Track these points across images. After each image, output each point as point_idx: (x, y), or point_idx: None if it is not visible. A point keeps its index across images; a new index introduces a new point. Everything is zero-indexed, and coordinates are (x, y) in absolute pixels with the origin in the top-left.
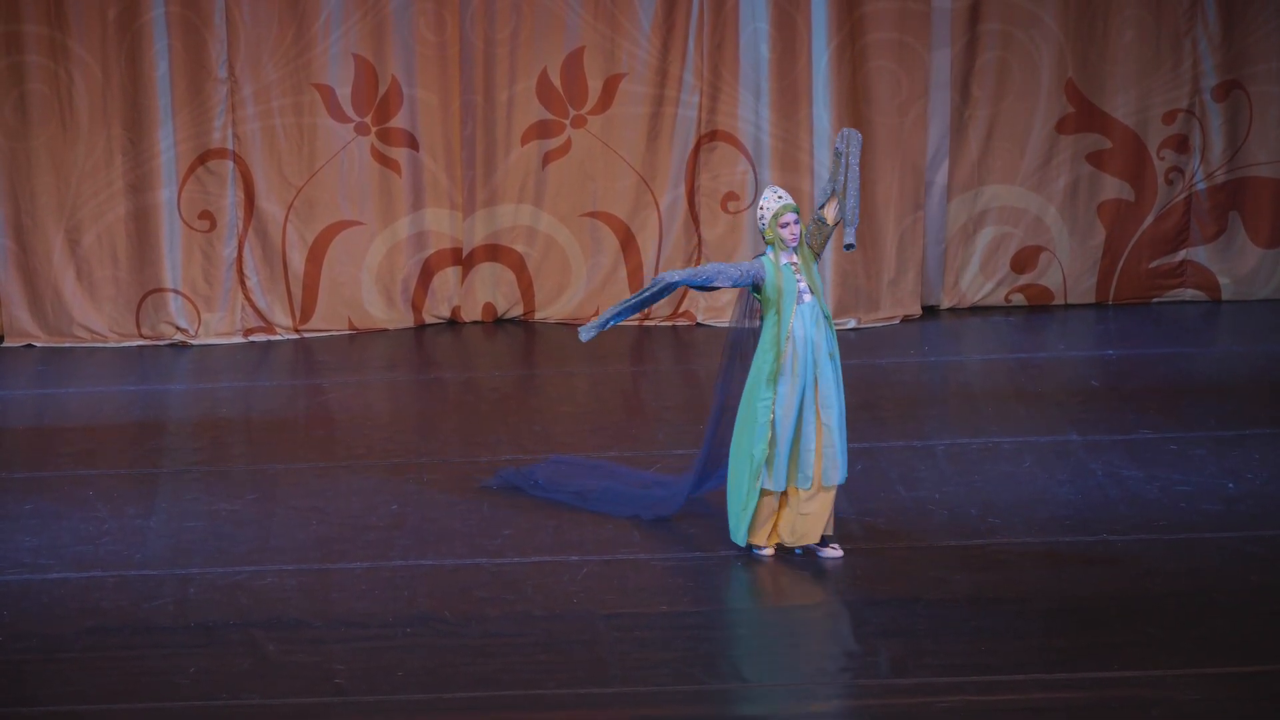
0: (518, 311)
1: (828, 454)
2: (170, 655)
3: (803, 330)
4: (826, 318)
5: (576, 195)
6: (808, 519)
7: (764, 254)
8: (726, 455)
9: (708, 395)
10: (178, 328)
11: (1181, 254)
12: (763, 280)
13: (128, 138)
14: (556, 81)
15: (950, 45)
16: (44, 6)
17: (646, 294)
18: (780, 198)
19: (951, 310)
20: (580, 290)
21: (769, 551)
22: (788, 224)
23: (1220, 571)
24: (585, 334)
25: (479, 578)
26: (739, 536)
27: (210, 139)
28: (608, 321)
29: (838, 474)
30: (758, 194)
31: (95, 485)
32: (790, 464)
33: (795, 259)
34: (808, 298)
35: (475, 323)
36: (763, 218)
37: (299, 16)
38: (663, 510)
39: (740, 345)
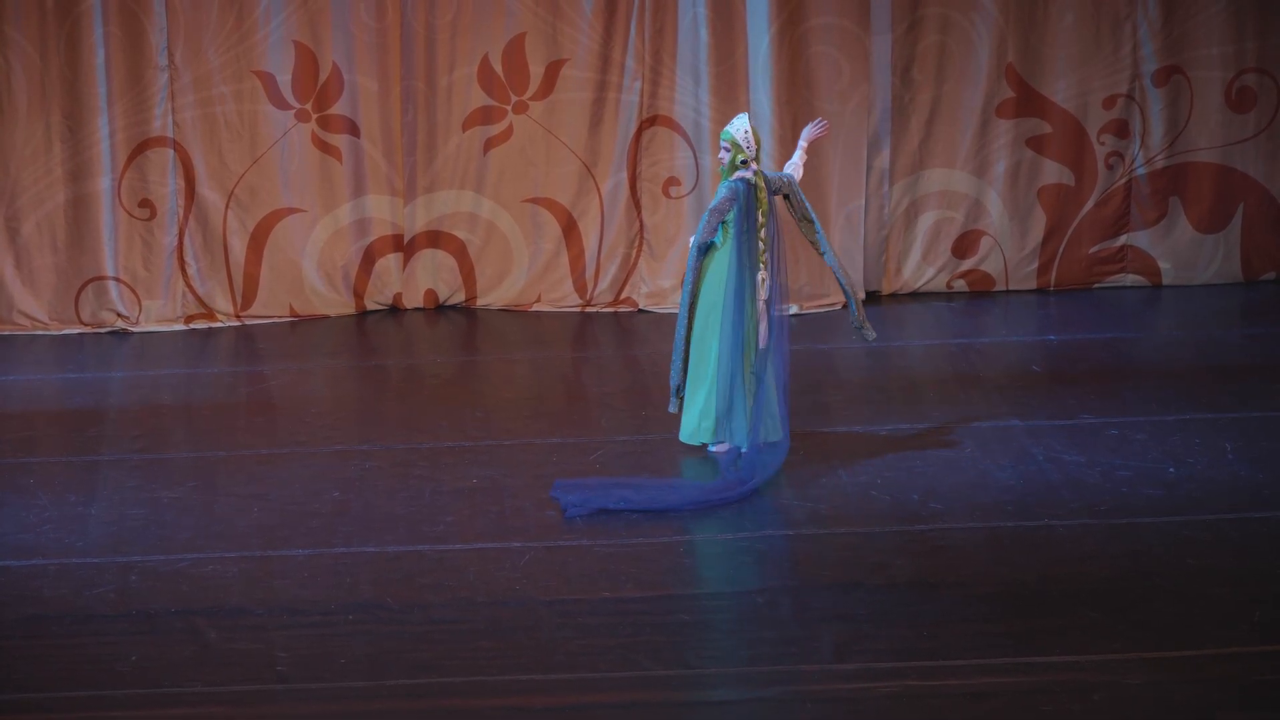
0: (459, 298)
1: None
2: (112, 643)
3: None
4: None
5: (518, 181)
6: None
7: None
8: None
9: (649, 380)
10: (119, 315)
11: (1122, 239)
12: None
13: (67, 125)
14: (498, 67)
15: (891, 30)
16: None
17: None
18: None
19: (893, 296)
20: (522, 276)
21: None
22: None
23: (1161, 555)
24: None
25: (421, 564)
26: None
27: (150, 126)
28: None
29: None
30: (698, 179)
31: (36, 473)
32: None
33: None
34: None
35: (417, 309)
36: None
37: (239, 3)
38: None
39: None
